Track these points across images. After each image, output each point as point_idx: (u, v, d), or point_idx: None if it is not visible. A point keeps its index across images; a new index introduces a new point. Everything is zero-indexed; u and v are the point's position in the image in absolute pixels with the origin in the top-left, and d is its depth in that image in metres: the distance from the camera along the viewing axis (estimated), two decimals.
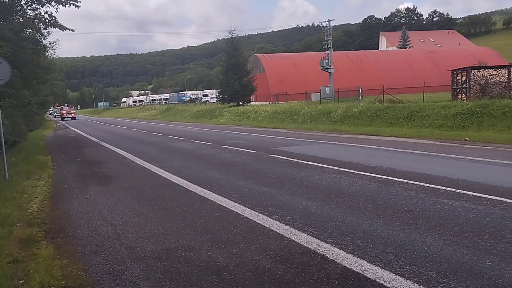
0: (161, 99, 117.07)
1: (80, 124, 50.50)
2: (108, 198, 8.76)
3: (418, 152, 13.14)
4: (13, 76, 12.50)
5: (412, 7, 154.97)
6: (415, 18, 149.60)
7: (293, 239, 5.57)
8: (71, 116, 73.79)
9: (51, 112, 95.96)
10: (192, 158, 14.46)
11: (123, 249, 5.57)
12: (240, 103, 46.25)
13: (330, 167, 10.83)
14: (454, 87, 25.65)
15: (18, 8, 17.75)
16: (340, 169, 10.48)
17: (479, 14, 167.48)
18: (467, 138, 15.58)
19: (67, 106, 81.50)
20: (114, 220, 7.05)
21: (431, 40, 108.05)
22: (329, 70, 46.61)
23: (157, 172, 11.64)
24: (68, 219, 7.32)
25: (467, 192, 7.48)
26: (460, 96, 24.64)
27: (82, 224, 6.94)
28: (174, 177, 10.63)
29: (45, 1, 17.43)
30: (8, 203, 7.90)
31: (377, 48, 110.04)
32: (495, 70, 23.82)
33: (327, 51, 47.32)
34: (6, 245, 5.71)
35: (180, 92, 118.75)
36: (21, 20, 18.24)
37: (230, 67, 45.07)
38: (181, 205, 7.75)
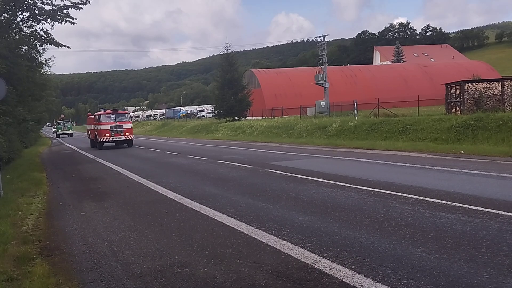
0: (157, 114, 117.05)
1: (76, 141, 50.38)
2: (103, 215, 8.71)
3: (414, 165, 13.17)
4: (8, 93, 12.53)
5: (406, 22, 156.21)
6: (409, 32, 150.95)
7: (290, 254, 5.54)
8: (124, 138, 29.69)
9: (54, 130, 72.07)
10: (188, 174, 14.44)
11: (119, 266, 5.53)
12: (236, 118, 46.29)
13: (326, 181, 10.83)
14: (448, 100, 25.81)
15: (14, 25, 17.83)
16: (336, 183, 10.49)
17: (472, 28, 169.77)
18: (462, 151, 15.63)
19: (114, 112, 31.08)
20: (110, 236, 7.00)
21: (425, 54, 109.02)
22: (324, 85, 46.84)
23: (153, 188, 11.60)
24: (63, 236, 7.26)
25: (463, 205, 7.49)
26: (454, 109, 24.78)
27: (77, 241, 6.89)
28: (170, 193, 10.59)
29: (41, 18, 17.51)
30: (3, 221, 7.84)
31: (371, 63, 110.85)
32: (489, 83, 24.00)
33: (322, 66, 47.61)
34: (1, 263, 5.65)
35: (176, 108, 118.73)
36: (16, 37, 18.33)
37: (226, 83, 45.19)
38: (177, 221, 7.71)
